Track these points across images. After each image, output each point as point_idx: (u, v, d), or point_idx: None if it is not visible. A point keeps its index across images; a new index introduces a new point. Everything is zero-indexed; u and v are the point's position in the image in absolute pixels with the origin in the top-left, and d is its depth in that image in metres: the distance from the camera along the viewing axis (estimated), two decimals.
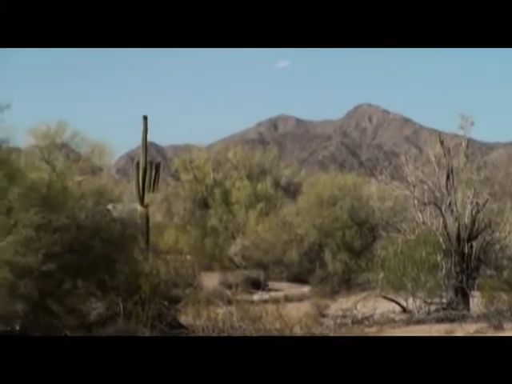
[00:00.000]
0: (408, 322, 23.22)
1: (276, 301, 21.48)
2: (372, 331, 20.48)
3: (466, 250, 25.05)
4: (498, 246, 26.48)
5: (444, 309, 24.21)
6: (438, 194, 25.97)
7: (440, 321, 22.93)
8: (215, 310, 18.94)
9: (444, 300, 24.74)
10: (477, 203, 25.33)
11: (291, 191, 46.76)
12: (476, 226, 25.48)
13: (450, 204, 25.35)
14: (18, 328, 17.49)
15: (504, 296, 22.57)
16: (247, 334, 17.76)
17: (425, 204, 26.53)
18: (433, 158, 26.38)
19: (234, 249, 40.91)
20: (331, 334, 19.97)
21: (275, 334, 17.75)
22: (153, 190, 36.94)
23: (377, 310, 24.05)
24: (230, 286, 26.74)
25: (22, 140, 33.99)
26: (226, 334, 17.69)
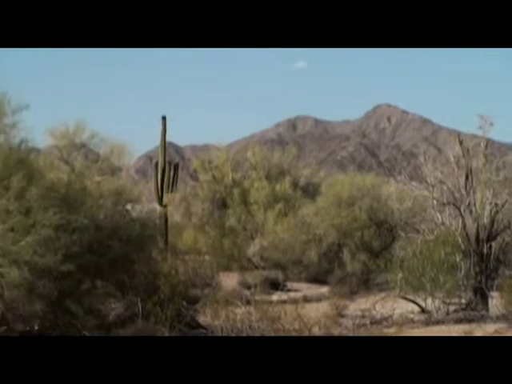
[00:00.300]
0: (427, 323, 23.12)
1: (295, 301, 21.53)
2: (391, 332, 20.44)
3: (485, 251, 24.95)
4: None
5: (463, 309, 24.12)
6: (457, 195, 25.88)
7: (459, 321, 22.84)
8: (234, 310, 18.97)
9: (463, 300, 24.64)
10: (496, 204, 25.22)
11: (310, 191, 46.60)
12: (495, 226, 25.37)
13: (469, 204, 25.26)
14: (36, 328, 17.58)
15: None
16: (266, 334, 17.78)
17: (444, 204, 26.45)
18: (452, 159, 26.29)
19: (252, 249, 40.84)
20: (350, 335, 19.97)
21: (294, 334, 17.77)
22: (171, 191, 36.91)
23: (395, 311, 24.01)
24: (248, 287, 26.67)
25: (41, 140, 34.07)
26: (244, 334, 17.71)
